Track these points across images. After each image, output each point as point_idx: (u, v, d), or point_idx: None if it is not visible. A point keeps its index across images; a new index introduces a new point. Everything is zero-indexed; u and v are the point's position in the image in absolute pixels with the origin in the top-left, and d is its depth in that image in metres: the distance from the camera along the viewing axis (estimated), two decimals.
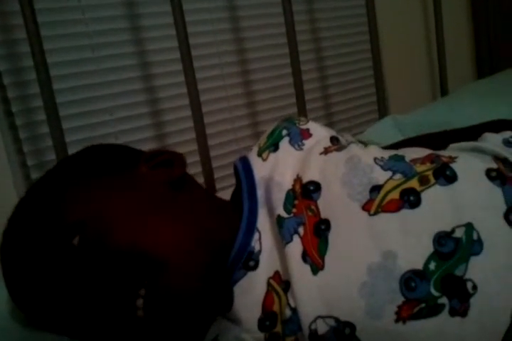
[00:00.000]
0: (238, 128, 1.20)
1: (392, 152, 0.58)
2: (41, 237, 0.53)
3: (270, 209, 0.57)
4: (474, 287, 0.46)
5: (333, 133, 0.64)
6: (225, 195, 0.69)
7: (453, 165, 0.53)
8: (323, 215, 0.54)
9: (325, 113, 1.37)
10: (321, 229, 0.53)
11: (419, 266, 0.48)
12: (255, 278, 0.55)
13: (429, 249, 0.48)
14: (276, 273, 0.54)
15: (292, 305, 0.51)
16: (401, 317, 0.47)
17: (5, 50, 0.89)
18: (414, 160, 0.56)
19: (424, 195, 0.51)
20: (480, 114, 0.87)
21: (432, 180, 0.52)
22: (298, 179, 0.57)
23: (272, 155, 0.61)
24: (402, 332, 0.46)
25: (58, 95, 0.82)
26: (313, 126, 0.64)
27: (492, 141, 0.60)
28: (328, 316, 0.49)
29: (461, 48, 1.72)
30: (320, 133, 0.63)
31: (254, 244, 0.56)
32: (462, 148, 0.60)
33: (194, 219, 0.57)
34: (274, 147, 0.62)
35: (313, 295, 0.50)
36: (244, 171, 0.62)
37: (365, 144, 0.63)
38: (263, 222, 0.57)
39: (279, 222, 0.55)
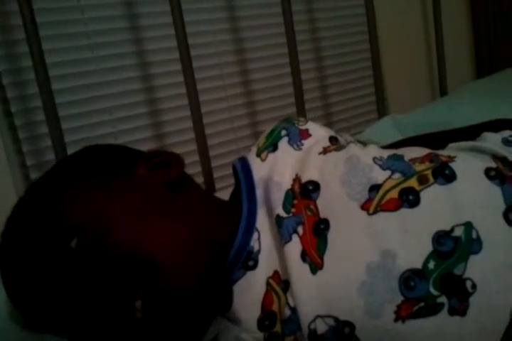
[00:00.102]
0: (237, 127, 1.20)
1: (391, 151, 0.58)
2: (39, 239, 0.53)
3: (269, 209, 0.57)
4: (473, 286, 0.46)
5: (332, 133, 0.64)
6: (225, 194, 0.69)
7: (452, 165, 0.53)
8: (322, 215, 0.54)
9: (324, 113, 1.37)
10: (320, 229, 0.53)
11: (419, 265, 0.48)
12: (254, 278, 0.55)
13: (428, 248, 0.48)
14: (276, 272, 0.54)
15: (291, 304, 0.51)
16: (400, 316, 0.47)
17: (4, 50, 0.88)
18: (413, 160, 0.56)
19: (423, 194, 0.51)
20: (479, 113, 0.87)
21: (431, 179, 0.52)
22: (297, 179, 0.57)
23: (271, 156, 0.61)
24: (401, 332, 0.47)
25: (57, 95, 0.82)
26: (313, 127, 0.64)
27: (491, 140, 0.60)
28: (327, 315, 0.49)
29: (461, 48, 1.72)
30: (319, 133, 0.63)
31: (254, 244, 0.56)
32: (461, 147, 0.60)
33: (193, 220, 0.57)
34: (273, 147, 0.62)
35: (313, 295, 0.50)
36: (243, 171, 0.62)
37: (364, 144, 0.63)
38: (262, 222, 0.57)
39: (278, 222, 0.55)
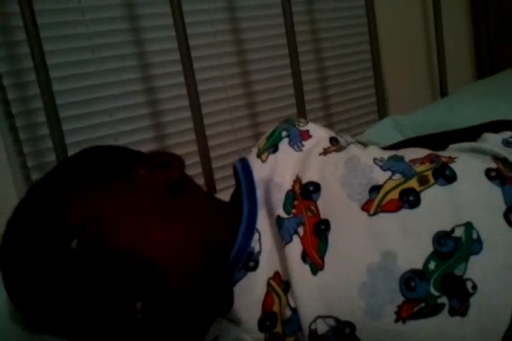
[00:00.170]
0: (238, 129, 1.20)
1: (392, 152, 0.58)
2: (40, 240, 0.53)
3: (270, 210, 0.57)
4: (474, 286, 0.46)
5: (333, 134, 0.64)
6: (225, 195, 0.69)
7: (452, 165, 0.53)
8: (322, 215, 0.54)
9: (324, 114, 1.37)
10: (320, 230, 0.53)
11: (419, 265, 0.48)
12: (255, 279, 0.55)
13: (428, 248, 0.48)
14: (276, 273, 0.54)
15: (292, 305, 0.51)
16: (401, 317, 0.47)
17: (5, 52, 0.89)
18: (414, 161, 0.56)
19: (423, 195, 0.51)
20: (480, 114, 0.87)
21: (432, 180, 0.52)
22: (297, 180, 0.57)
23: (272, 157, 0.61)
24: (401, 332, 0.47)
25: (58, 96, 0.82)
26: (313, 128, 0.64)
27: (492, 141, 0.60)
28: (328, 316, 0.49)
29: (461, 49, 1.72)
30: (319, 134, 0.63)
31: (254, 245, 0.56)
32: (462, 148, 0.60)
33: (193, 221, 0.57)
34: (274, 148, 0.62)
35: (313, 296, 0.50)
36: (243, 172, 0.62)
37: (365, 145, 0.63)
38: (263, 223, 0.57)
39: (278, 223, 0.55)
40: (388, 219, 0.51)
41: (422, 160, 0.55)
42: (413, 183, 0.52)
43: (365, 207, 0.52)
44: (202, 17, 1.12)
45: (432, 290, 0.47)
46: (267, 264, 0.55)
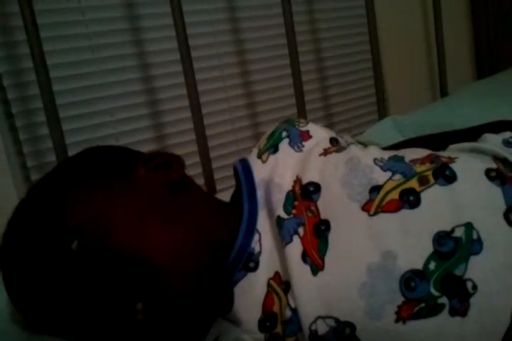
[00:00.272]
0: (238, 129, 1.20)
1: (392, 153, 0.58)
2: (40, 241, 0.53)
3: (270, 211, 0.57)
4: (474, 286, 0.46)
5: (333, 134, 0.64)
6: (226, 196, 0.69)
7: (452, 166, 0.53)
8: (323, 216, 0.54)
9: (325, 114, 1.37)
10: (320, 230, 0.53)
11: (419, 265, 0.48)
12: (255, 279, 0.55)
13: (428, 248, 0.48)
14: (277, 273, 0.54)
15: (292, 305, 0.51)
16: (401, 317, 0.47)
17: (4, 52, 0.89)
18: (414, 161, 0.56)
19: (423, 195, 0.51)
20: (480, 114, 0.87)
21: (432, 180, 0.52)
22: (298, 180, 0.57)
23: (272, 157, 0.61)
24: (402, 332, 0.47)
25: (58, 96, 0.82)
26: (313, 128, 0.64)
27: (492, 141, 0.60)
28: (328, 316, 0.49)
29: (461, 49, 1.72)
30: (319, 135, 0.63)
31: (254, 245, 0.56)
32: (462, 148, 0.60)
33: (193, 221, 0.57)
34: (274, 149, 0.62)
35: (313, 296, 0.50)
36: (243, 173, 0.62)
37: (365, 145, 0.63)
38: (263, 223, 0.57)
39: (278, 223, 0.55)
40: (388, 219, 0.51)
41: (422, 161, 0.55)
42: (413, 183, 0.52)
43: (365, 207, 0.52)
44: (202, 17, 1.12)
45: (432, 291, 0.47)
46: (267, 264, 0.55)
